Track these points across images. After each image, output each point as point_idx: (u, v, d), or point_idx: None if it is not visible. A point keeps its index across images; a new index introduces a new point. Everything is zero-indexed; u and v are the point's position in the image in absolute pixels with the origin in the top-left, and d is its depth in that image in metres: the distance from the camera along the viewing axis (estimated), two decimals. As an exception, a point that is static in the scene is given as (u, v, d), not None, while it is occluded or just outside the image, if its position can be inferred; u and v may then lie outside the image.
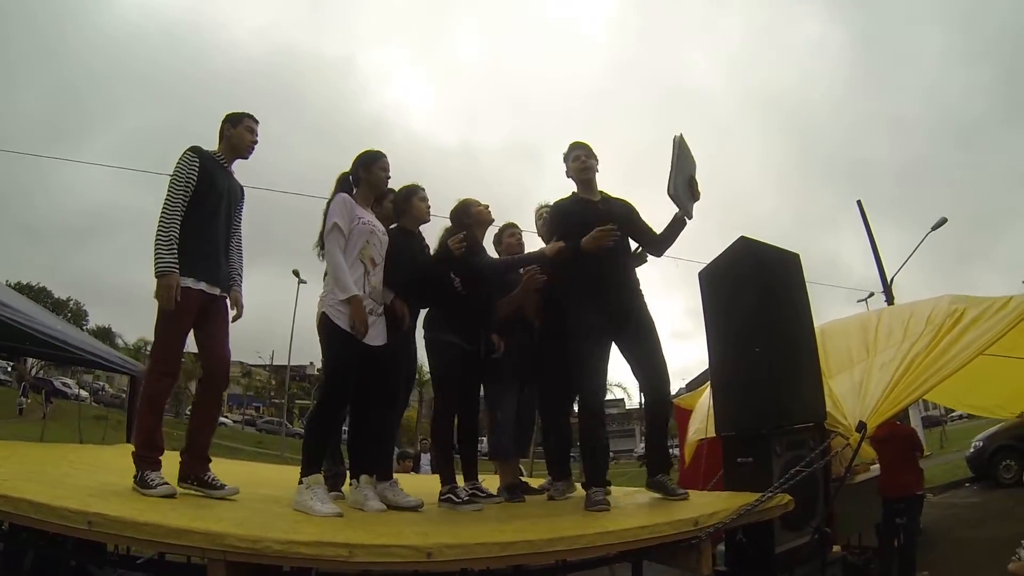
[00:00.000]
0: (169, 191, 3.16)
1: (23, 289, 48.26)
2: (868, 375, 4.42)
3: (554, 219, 3.79)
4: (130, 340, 48.15)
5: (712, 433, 4.12)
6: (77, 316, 52.21)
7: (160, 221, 3.09)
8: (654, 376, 3.52)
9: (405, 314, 3.49)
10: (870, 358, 4.71)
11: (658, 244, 3.68)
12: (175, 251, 3.05)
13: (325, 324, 3.20)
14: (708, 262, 3.94)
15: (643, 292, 3.64)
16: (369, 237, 3.36)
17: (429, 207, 3.84)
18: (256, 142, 3.52)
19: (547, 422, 4.07)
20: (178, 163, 3.23)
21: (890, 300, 16.56)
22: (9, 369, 35.07)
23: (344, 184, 3.60)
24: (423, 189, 3.83)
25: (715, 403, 3.93)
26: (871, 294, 21.73)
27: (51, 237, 74.43)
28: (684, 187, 3.52)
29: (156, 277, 3.02)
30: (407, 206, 3.76)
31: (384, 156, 3.59)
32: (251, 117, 3.51)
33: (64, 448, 6.27)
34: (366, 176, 3.53)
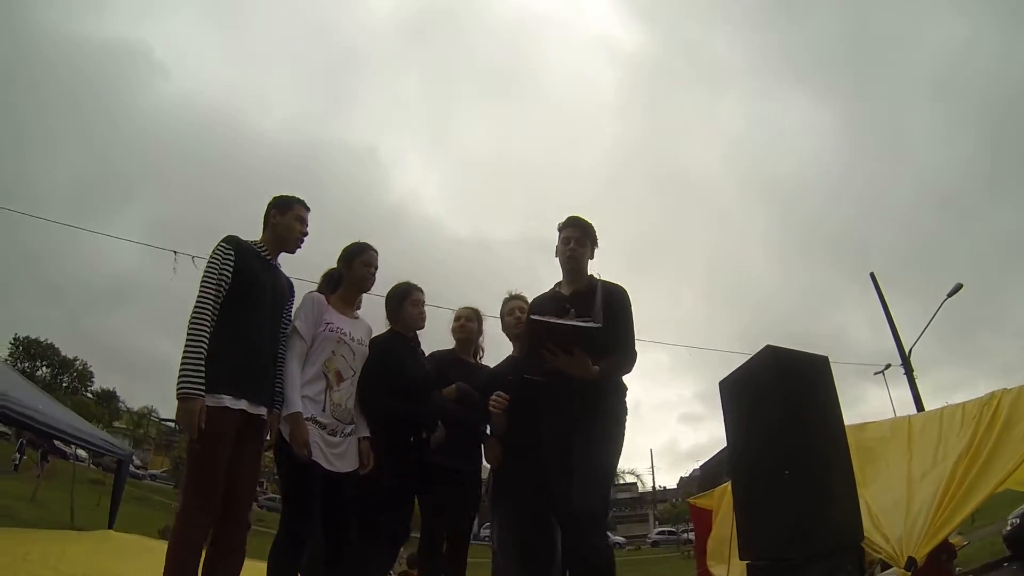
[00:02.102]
0: (200, 291, 2.68)
1: (31, 344, 49.05)
2: (910, 487, 4.01)
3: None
4: (135, 406, 48.40)
5: (736, 558, 3.70)
6: (83, 376, 52.53)
7: (188, 329, 2.60)
8: (580, 526, 2.82)
9: (369, 459, 3.06)
10: (909, 463, 4.30)
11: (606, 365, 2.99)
12: (202, 369, 2.55)
13: (279, 443, 2.80)
14: (730, 372, 3.59)
15: (605, 405, 3.01)
16: (336, 346, 3.00)
17: (423, 313, 3.46)
18: (306, 234, 3.03)
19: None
20: (210, 257, 2.76)
21: (909, 371, 16.13)
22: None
23: (329, 282, 3.28)
24: (418, 291, 3.46)
25: (738, 525, 3.53)
26: (888, 366, 21.12)
27: (72, 298, 76.78)
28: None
29: (177, 399, 2.52)
30: (399, 311, 3.40)
31: (368, 250, 3.22)
32: (302, 204, 3.03)
33: (36, 537, 5.85)
34: (347, 272, 3.19)
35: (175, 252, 9.23)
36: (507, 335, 3.67)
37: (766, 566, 3.33)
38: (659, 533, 42.36)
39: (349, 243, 3.26)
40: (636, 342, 3.18)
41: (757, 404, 3.38)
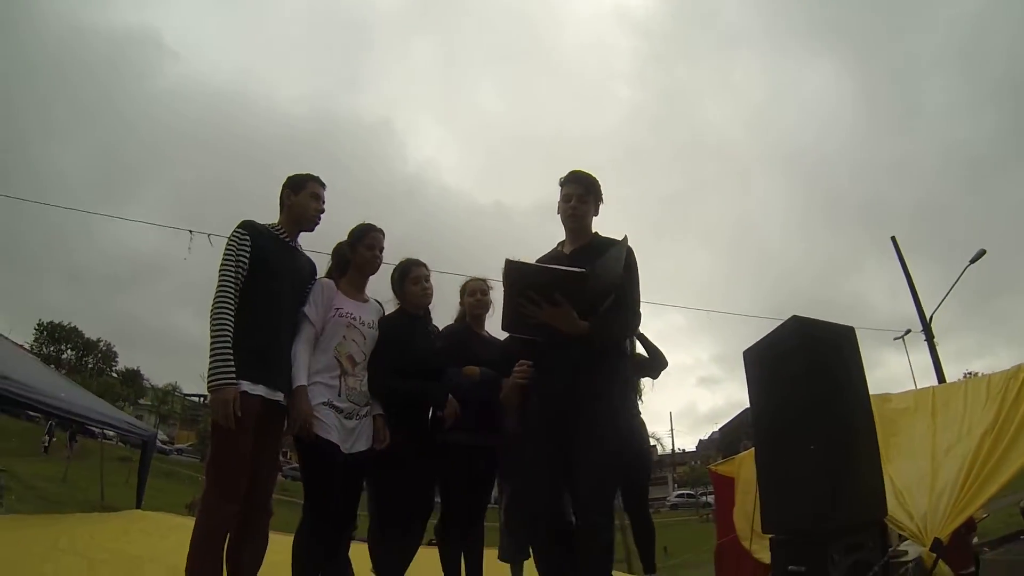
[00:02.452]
0: (219, 280, 2.69)
1: (54, 328, 50.23)
2: (934, 462, 3.94)
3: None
4: (160, 383, 49.49)
5: (759, 529, 3.69)
6: (107, 357, 53.92)
7: (212, 318, 2.61)
8: (584, 503, 2.64)
9: (385, 435, 3.03)
10: (934, 438, 4.22)
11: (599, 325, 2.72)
12: (231, 358, 2.56)
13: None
14: (755, 342, 3.55)
15: (611, 380, 2.78)
16: (347, 331, 2.97)
17: (426, 289, 3.35)
18: (322, 211, 3.02)
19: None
20: (226, 244, 2.76)
21: (930, 337, 15.92)
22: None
23: (338, 263, 3.24)
24: (418, 266, 3.36)
25: (762, 498, 3.52)
26: (908, 331, 20.80)
27: (92, 282, 79.38)
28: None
29: (209, 390, 2.55)
30: (401, 291, 3.34)
31: (373, 231, 3.17)
32: (316, 180, 3.00)
33: (66, 522, 5.96)
34: (352, 256, 3.14)
35: (191, 231, 9.36)
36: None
37: (789, 540, 3.32)
38: (678, 496, 42.61)
39: (355, 225, 3.21)
40: (642, 303, 2.95)
41: (782, 375, 3.34)
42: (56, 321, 50.55)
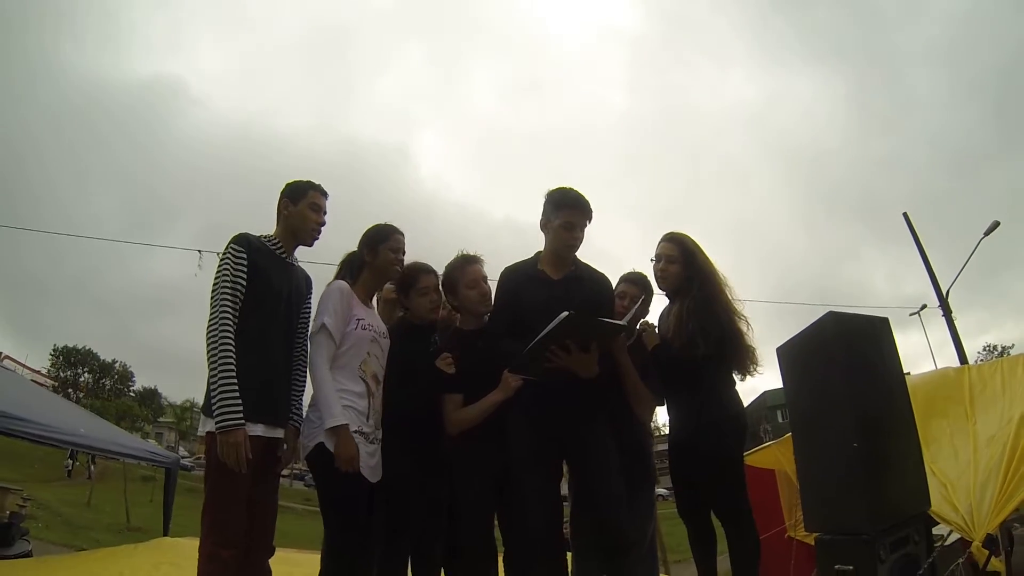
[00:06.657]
0: (214, 303, 2.39)
1: (69, 352, 50.42)
2: (976, 451, 3.81)
3: (500, 292, 2.95)
4: (178, 399, 50.25)
5: (802, 528, 3.60)
6: (123, 377, 54.50)
7: (210, 349, 2.33)
8: (605, 510, 2.69)
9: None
10: (975, 424, 4.08)
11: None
12: (238, 396, 2.30)
13: (320, 457, 2.51)
14: (789, 338, 3.45)
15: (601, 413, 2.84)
16: (370, 347, 2.69)
17: (434, 301, 3.02)
18: (323, 223, 2.72)
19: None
20: (221, 262, 2.48)
21: (947, 312, 15.77)
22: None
23: (349, 269, 2.92)
24: (429, 274, 3.02)
25: (803, 496, 3.43)
26: (924, 306, 20.61)
27: (118, 310, 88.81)
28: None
29: (218, 431, 2.28)
30: (407, 301, 3.04)
31: (396, 233, 2.87)
32: (317, 189, 2.70)
33: (93, 562, 5.86)
34: (371, 260, 2.82)
35: (199, 251, 9.48)
36: (468, 309, 3.08)
37: (834, 539, 3.22)
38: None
39: (371, 226, 2.91)
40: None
41: (820, 371, 3.23)
42: (71, 345, 50.96)
